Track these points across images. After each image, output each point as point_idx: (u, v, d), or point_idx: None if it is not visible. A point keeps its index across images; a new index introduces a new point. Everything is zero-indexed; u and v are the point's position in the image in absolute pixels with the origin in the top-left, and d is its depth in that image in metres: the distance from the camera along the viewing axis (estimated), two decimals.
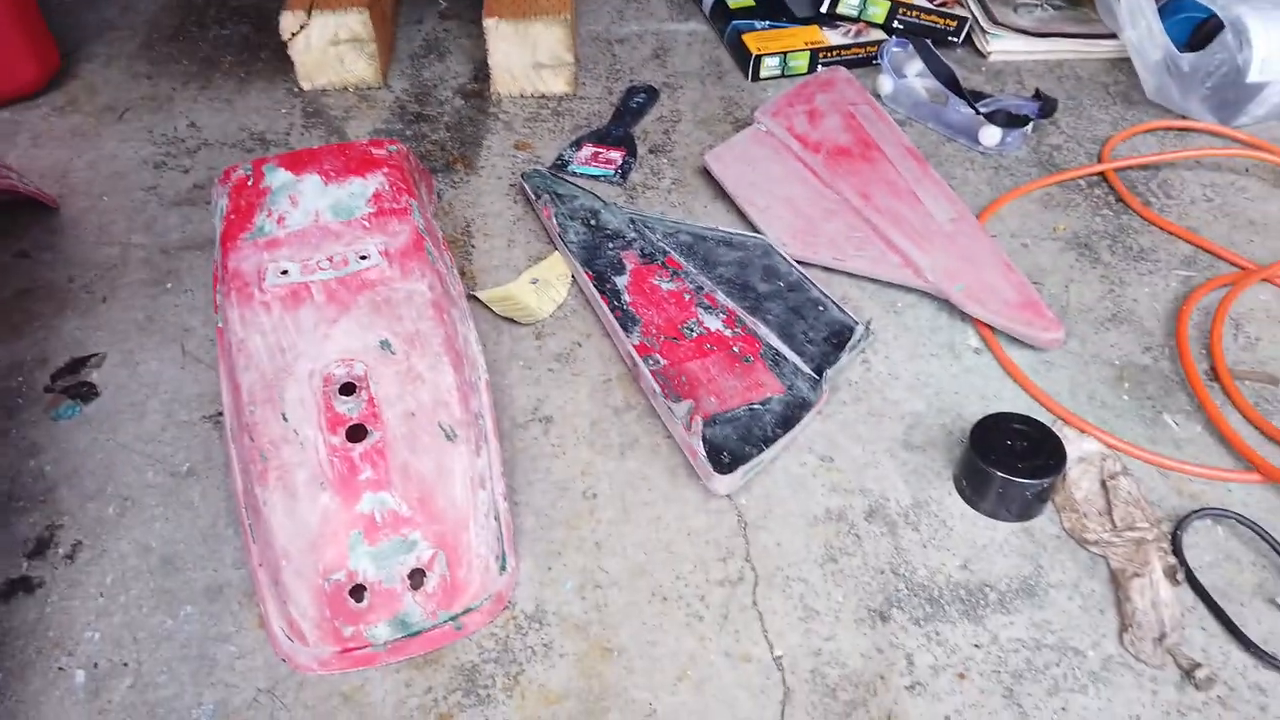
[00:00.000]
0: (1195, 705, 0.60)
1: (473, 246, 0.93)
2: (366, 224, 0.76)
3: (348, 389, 0.65)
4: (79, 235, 0.93)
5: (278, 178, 0.80)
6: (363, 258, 0.73)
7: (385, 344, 0.67)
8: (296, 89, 1.13)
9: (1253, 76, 1.03)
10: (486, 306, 0.86)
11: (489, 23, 1.08)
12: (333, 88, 1.13)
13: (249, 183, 0.80)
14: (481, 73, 1.17)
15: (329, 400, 0.64)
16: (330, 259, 0.73)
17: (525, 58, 1.11)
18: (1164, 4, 1.15)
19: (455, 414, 0.65)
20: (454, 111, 1.12)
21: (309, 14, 1.08)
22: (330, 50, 1.10)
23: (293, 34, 1.08)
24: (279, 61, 1.16)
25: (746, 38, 1.17)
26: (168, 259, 0.91)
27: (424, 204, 0.83)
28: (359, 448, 0.62)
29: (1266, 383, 0.79)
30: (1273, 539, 0.67)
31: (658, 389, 0.75)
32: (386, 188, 0.78)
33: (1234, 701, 0.60)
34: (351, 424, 0.63)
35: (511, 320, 0.85)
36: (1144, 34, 1.07)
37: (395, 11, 1.25)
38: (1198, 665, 0.61)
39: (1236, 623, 0.63)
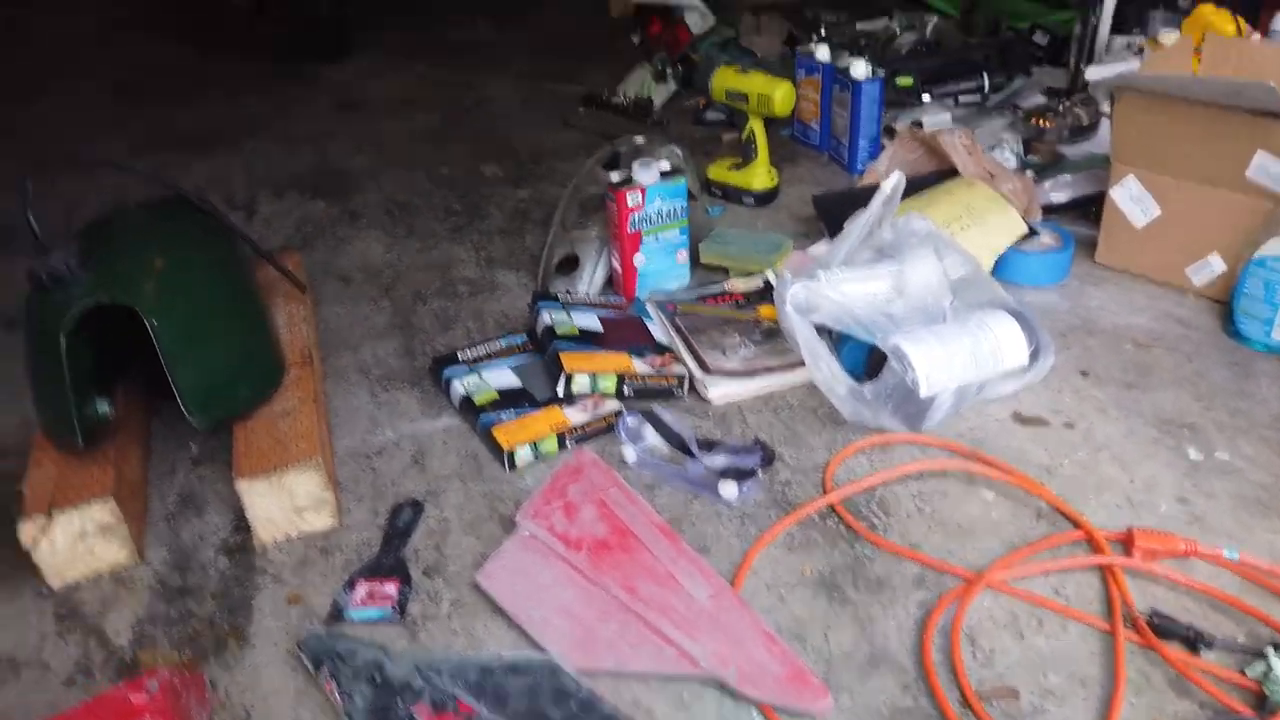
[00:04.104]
0: None
1: None
2: None
3: None
4: None
5: None
6: None
7: None
8: (45, 589, 1.09)
9: (924, 392, 1.22)
10: None
11: (241, 484, 1.10)
12: (86, 579, 1.10)
13: None
14: (243, 520, 1.17)
15: None
16: None
17: (284, 504, 1.13)
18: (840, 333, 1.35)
19: None
20: (219, 574, 1.11)
21: (49, 515, 1.06)
22: (79, 544, 1.08)
23: (35, 541, 1.06)
24: (17, 558, 1.11)
25: (497, 432, 1.26)
26: None
27: None
28: None
29: (1009, 697, 0.90)
30: None
31: None
32: None
33: None
34: None
35: None
36: (827, 375, 1.25)
37: (144, 473, 1.25)
38: None
39: None
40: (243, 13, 2.95)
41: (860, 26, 2.71)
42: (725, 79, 1.85)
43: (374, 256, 1.83)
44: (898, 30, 2.57)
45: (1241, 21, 1.98)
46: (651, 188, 1.54)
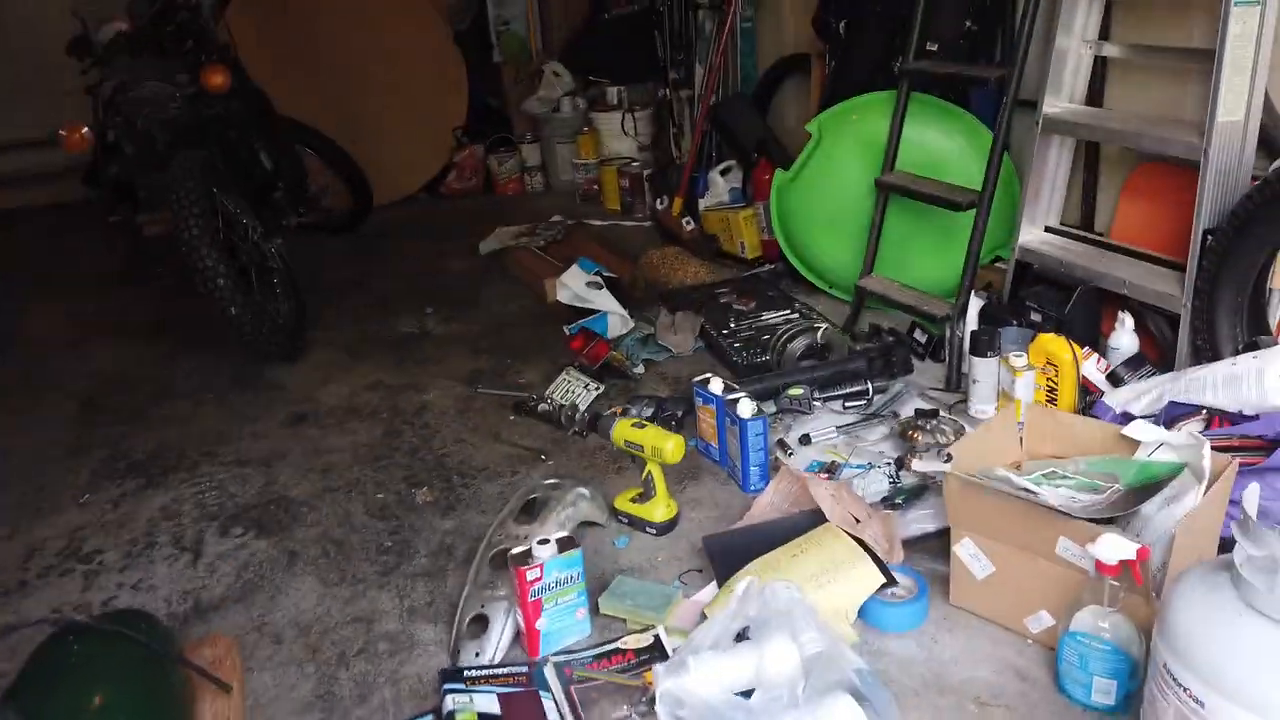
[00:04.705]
0: None
1: None
2: None
3: None
4: None
5: None
6: None
7: None
8: None
9: None
10: None
11: None
12: None
13: None
14: None
15: None
16: None
17: None
18: None
19: None
20: None
21: None
22: None
23: None
24: None
25: None
26: None
27: None
28: None
29: None
30: None
31: None
32: None
33: None
34: None
35: None
36: None
37: None
38: None
39: None
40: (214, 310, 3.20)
41: (766, 318, 3.01)
42: (623, 431, 2.08)
43: (306, 608, 1.99)
44: (798, 327, 2.85)
45: (1076, 348, 2.26)
46: (549, 563, 1.73)
